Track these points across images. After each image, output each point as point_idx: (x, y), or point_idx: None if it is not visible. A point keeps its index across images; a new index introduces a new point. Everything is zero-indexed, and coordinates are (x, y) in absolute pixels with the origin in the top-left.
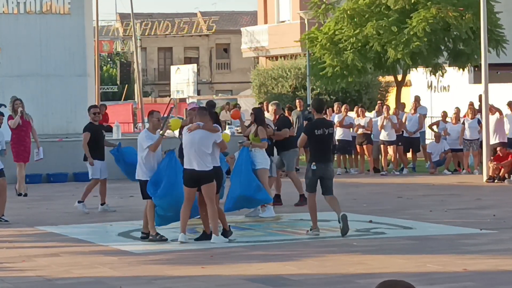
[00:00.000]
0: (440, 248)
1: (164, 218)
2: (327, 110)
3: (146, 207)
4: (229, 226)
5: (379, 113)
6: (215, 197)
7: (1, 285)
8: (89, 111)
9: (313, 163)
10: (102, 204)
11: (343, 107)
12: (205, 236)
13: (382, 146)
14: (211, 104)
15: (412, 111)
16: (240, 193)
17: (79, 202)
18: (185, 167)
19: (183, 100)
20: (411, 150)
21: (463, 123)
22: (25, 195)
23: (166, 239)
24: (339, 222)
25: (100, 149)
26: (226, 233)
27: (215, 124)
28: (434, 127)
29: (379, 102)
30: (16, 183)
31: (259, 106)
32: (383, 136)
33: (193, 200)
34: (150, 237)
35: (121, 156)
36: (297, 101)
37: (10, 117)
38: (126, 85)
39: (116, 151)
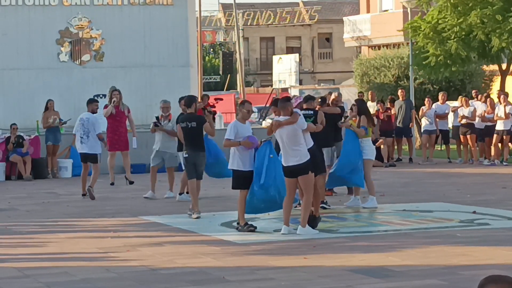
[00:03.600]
0: None
1: (257, 208)
2: (427, 100)
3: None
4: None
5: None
6: (312, 188)
7: (106, 274)
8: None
9: (185, 152)
10: (180, 194)
11: (440, 96)
12: (314, 219)
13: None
14: (309, 97)
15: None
16: (336, 173)
17: (180, 194)
18: (282, 163)
19: (285, 89)
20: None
21: None
22: (131, 182)
23: (254, 229)
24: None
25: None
26: (314, 219)
27: (295, 110)
28: None
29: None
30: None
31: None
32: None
33: (295, 191)
34: (239, 228)
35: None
36: (399, 91)
37: (105, 106)
38: (229, 75)
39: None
